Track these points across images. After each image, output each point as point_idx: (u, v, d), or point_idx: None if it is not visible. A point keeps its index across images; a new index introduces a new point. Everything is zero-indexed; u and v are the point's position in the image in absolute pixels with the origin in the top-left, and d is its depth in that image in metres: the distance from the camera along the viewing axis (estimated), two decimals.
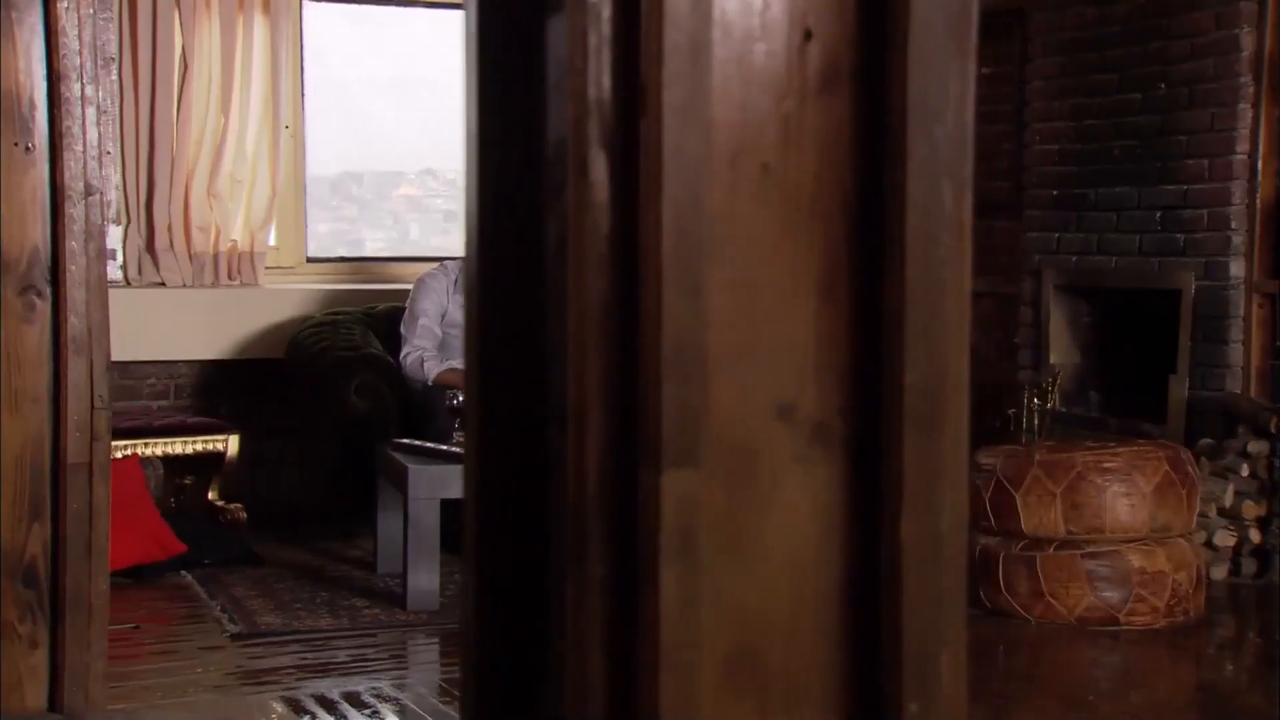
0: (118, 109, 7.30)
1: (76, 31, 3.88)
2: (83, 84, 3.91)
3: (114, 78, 7.31)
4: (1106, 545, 5.36)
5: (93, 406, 3.99)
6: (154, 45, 7.30)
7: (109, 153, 7.20)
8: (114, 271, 7.38)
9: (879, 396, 1.42)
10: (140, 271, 7.39)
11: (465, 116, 1.49)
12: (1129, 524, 5.35)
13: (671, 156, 1.31)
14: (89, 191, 3.96)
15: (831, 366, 1.42)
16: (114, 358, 7.33)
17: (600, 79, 1.33)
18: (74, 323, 3.91)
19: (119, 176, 7.33)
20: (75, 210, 3.90)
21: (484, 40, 1.47)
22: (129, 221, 7.38)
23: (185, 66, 7.38)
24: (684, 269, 1.33)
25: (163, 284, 7.41)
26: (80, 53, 3.89)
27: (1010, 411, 7.58)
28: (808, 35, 1.40)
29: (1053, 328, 7.59)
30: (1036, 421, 7.44)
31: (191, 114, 7.38)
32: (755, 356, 1.40)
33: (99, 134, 4.00)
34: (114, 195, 7.34)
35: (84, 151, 3.94)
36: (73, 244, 3.90)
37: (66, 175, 3.89)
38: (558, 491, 1.41)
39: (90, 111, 3.96)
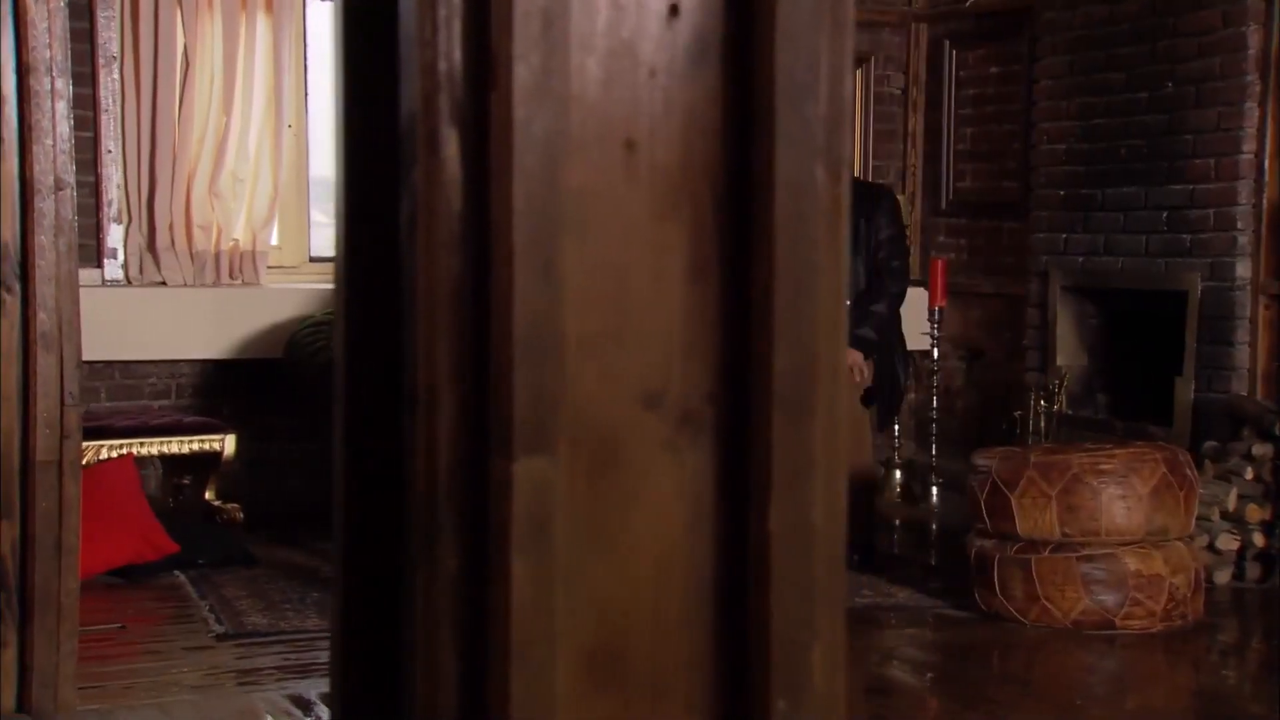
0: (119, 108, 7.29)
1: (46, 24, 3.85)
2: (53, 77, 3.88)
3: (116, 76, 7.30)
4: (1102, 548, 5.29)
5: (63, 403, 3.96)
6: (156, 44, 7.28)
7: (109, 151, 7.19)
8: (115, 270, 7.37)
9: (751, 383, 1.37)
10: (141, 270, 7.37)
11: (332, 93, 1.44)
12: (1125, 526, 5.28)
13: (523, 132, 1.26)
14: (59, 186, 3.93)
15: (701, 352, 1.37)
16: (115, 357, 7.34)
17: (450, 51, 1.28)
18: (43, 319, 3.88)
19: (120, 175, 7.32)
20: (45, 205, 3.87)
21: (348, 12, 1.42)
22: (130, 220, 7.36)
23: (187, 65, 7.36)
24: (538, 249, 1.28)
25: (164, 283, 7.39)
26: (50, 46, 3.86)
27: (1016, 414, 7.51)
28: (674, 9, 1.35)
29: (1060, 329, 7.52)
30: (1043, 424, 7.37)
31: (193, 112, 7.36)
32: (620, 341, 1.35)
33: (70, 127, 3.97)
34: (115, 194, 7.32)
35: (54, 146, 3.91)
36: (42, 239, 3.87)
37: (36, 169, 3.86)
38: (410, 480, 1.37)
39: (61, 105, 3.93)
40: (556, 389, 1.29)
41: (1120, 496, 5.27)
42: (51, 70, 3.88)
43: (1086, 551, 5.29)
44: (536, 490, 1.29)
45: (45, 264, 3.88)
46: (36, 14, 3.83)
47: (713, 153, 1.37)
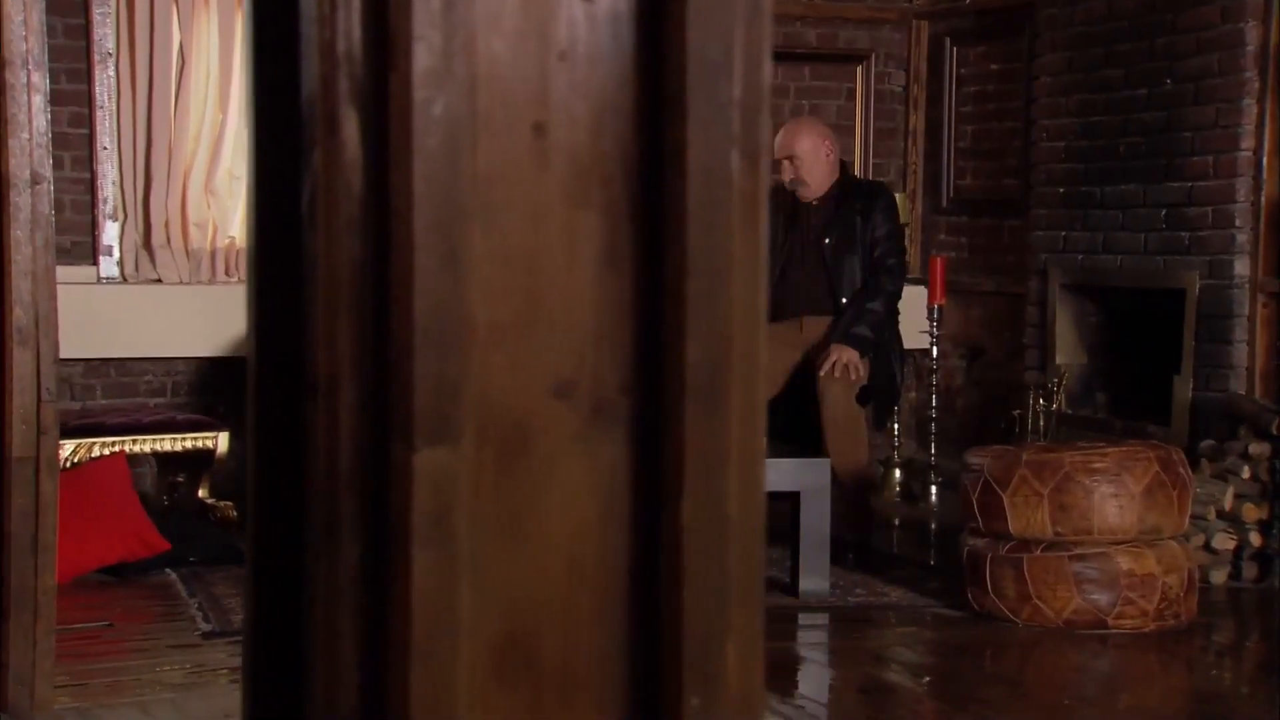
0: (115, 104, 7.27)
1: (23, 17, 3.82)
2: (29, 70, 3.85)
3: (111, 73, 7.28)
4: (1094, 547, 5.25)
5: (40, 400, 3.94)
6: (151, 40, 7.26)
7: (105, 148, 7.17)
8: (110, 268, 7.35)
9: (664, 374, 1.34)
10: (137, 268, 7.36)
11: (243, 78, 1.42)
12: (1117, 525, 5.24)
13: (423, 114, 1.23)
14: (36, 180, 3.91)
15: (614, 341, 1.34)
16: (110, 354, 7.32)
17: (350, 30, 1.25)
18: (19, 314, 3.86)
19: (116, 172, 7.30)
20: (20, 199, 3.85)
21: None
22: (126, 217, 7.35)
23: (183, 62, 7.34)
24: (440, 234, 1.25)
25: (159, 280, 7.37)
26: (26, 38, 3.84)
27: (1015, 413, 7.47)
28: None
29: (1059, 328, 7.48)
30: (1041, 423, 7.33)
31: (189, 109, 7.35)
32: (530, 329, 1.32)
33: (47, 122, 3.94)
34: (111, 191, 7.30)
35: (30, 140, 3.89)
36: (18, 233, 3.85)
37: (11, 163, 3.84)
38: (310, 471, 1.34)
39: (38, 99, 3.91)
40: (460, 378, 1.26)
41: (1113, 495, 5.23)
42: (28, 64, 3.86)
43: (1079, 551, 5.25)
44: (438, 481, 1.26)
45: (21, 259, 3.85)
46: (12, 7, 3.81)
47: (626, 137, 1.34)
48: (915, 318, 7.75)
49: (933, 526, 7.33)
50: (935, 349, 7.71)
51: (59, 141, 7.18)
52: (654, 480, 1.35)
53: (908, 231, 8.36)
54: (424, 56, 1.23)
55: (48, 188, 3.94)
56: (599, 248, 1.33)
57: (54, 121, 7.13)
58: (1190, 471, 5.43)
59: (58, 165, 7.17)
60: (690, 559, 1.33)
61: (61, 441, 6.11)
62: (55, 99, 7.15)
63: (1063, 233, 7.44)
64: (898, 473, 7.90)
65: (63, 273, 7.11)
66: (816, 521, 5.59)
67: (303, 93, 1.31)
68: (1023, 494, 5.27)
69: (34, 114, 3.91)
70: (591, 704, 1.34)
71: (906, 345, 7.72)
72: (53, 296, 3.97)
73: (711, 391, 1.32)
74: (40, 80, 3.91)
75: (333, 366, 1.27)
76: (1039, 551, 5.27)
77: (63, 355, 6.95)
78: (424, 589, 1.25)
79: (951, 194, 8.38)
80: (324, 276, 1.27)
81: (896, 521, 7.44)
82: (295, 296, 1.42)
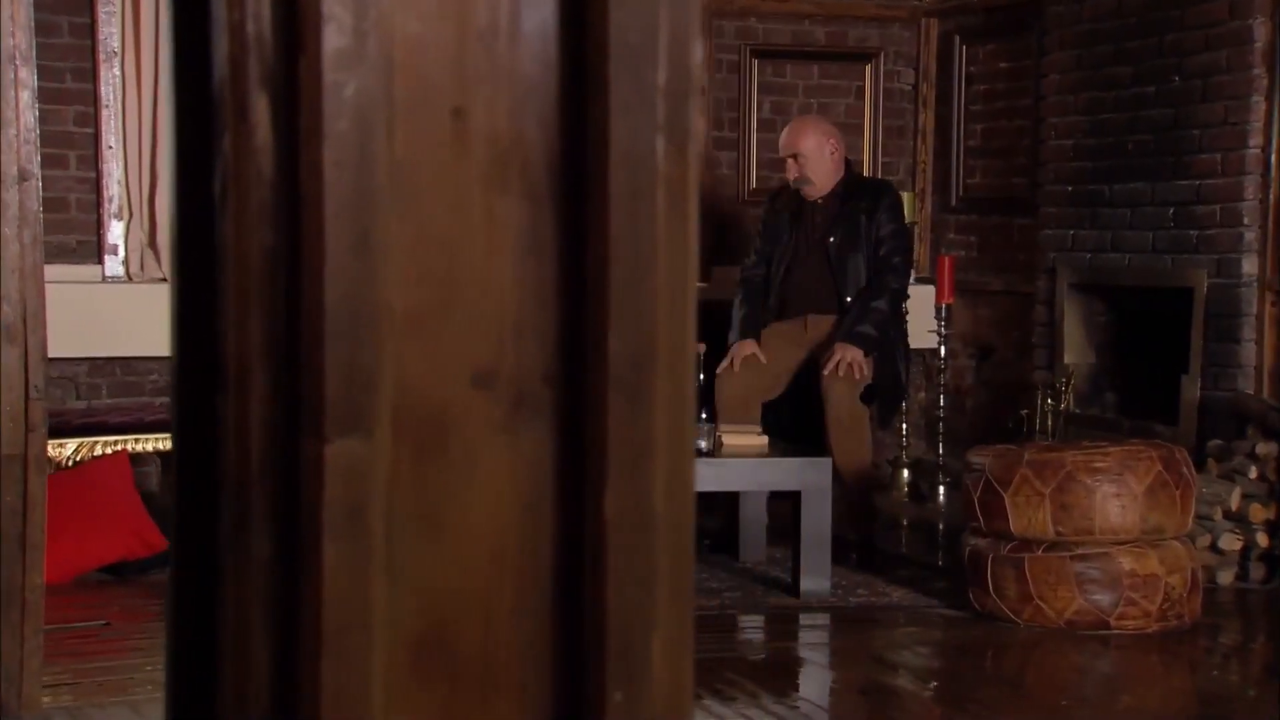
0: (120, 103, 7.27)
1: (10, 11, 3.81)
2: (16, 66, 3.84)
3: (116, 72, 7.27)
4: (1096, 547, 5.21)
5: (28, 396, 3.92)
6: (156, 39, 7.26)
7: (110, 147, 7.17)
8: (116, 267, 7.35)
9: (587, 364, 1.31)
10: (142, 267, 7.35)
11: (165, 64, 1.39)
12: (1119, 525, 5.20)
13: (333, 97, 1.21)
14: (24, 177, 3.89)
15: (537, 330, 1.31)
16: (115, 353, 7.31)
17: (259, 10, 1.23)
18: (7, 311, 3.85)
19: (121, 171, 7.30)
20: (9, 196, 3.84)
21: None
22: (131, 216, 7.34)
23: None
24: (352, 220, 1.22)
25: (165, 279, 7.36)
26: (14, 34, 3.82)
27: (1023, 412, 7.43)
28: None
29: (1067, 327, 7.44)
30: (1050, 423, 7.29)
31: None
32: (449, 318, 1.29)
33: (35, 118, 3.93)
34: (116, 190, 7.30)
35: (18, 136, 3.87)
36: (6, 230, 3.84)
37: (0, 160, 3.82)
38: (221, 463, 1.31)
39: (25, 95, 3.90)
40: (374, 367, 1.24)
41: (1115, 495, 5.19)
42: (15, 59, 3.85)
43: (1080, 551, 5.21)
44: (351, 473, 1.23)
45: (9, 256, 3.84)
46: None
47: (548, 122, 1.31)
48: (924, 317, 7.71)
49: (940, 527, 7.28)
50: (943, 348, 7.66)
51: (64, 140, 7.17)
52: (578, 472, 1.32)
53: (916, 230, 8.33)
54: (334, 37, 1.21)
55: (36, 184, 3.92)
56: (520, 235, 1.30)
57: (59, 120, 7.14)
58: (1194, 471, 5.38)
59: (63, 164, 7.17)
60: (614, 553, 1.30)
61: (64, 440, 6.11)
62: (60, 98, 7.15)
63: (1071, 231, 7.39)
64: (906, 473, 7.86)
65: (68, 271, 7.11)
66: (817, 521, 5.55)
67: (213, 76, 1.28)
68: (1024, 494, 5.23)
69: (21, 110, 3.89)
70: (513, 700, 1.31)
71: (915, 345, 7.69)
72: (41, 293, 3.95)
73: (636, 382, 1.30)
74: (28, 76, 3.90)
75: (243, 356, 1.24)
76: (1040, 551, 5.23)
77: (67, 354, 6.96)
78: (336, 583, 1.23)
79: (961, 193, 8.33)
80: (234, 264, 1.25)
81: (905, 522, 7.40)
82: (215, 286, 1.40)
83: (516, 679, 1.31)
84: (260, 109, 1.23)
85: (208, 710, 1.35)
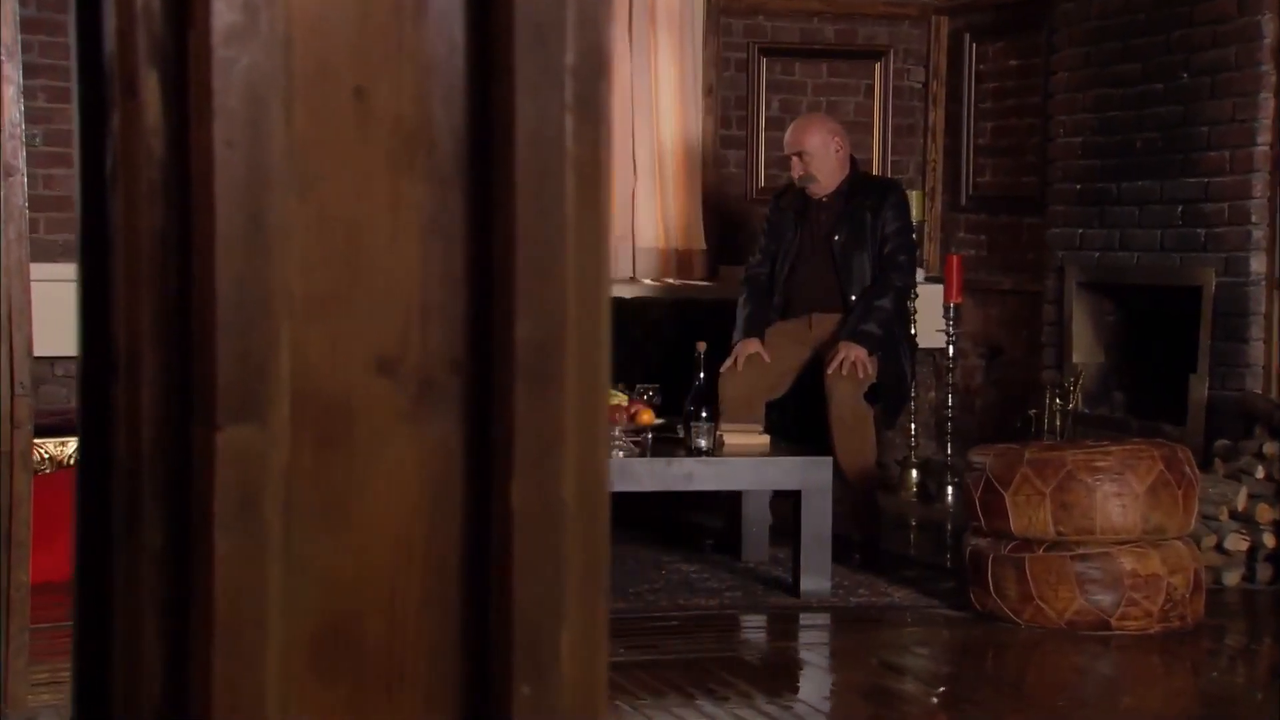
0: None
1: None
2: (1, 62, 3.82)
3: None
4: (1097, 547, 5.16)
5: (13, 393, 3.90)
6: None
7: None
8: None
9: (493, 350, 1.28)
10: None
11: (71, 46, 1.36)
12: (1121, 525, 5.15)
13: (224, 74, 1.18)
14: (9, 172, 3.87)
15: (443, 316, 1.28)
16: None
17: None
18: None
19: None
20: None
21: None
22: None
23: None
24: (245, 202, 1.19)
25: None
26: None
27: (1031, 412, 7.38)
28: None
29: (1075, 326, 7.38)
30: (1058, 422, 7.23)
31: None
32: (351, 303, 1.26)
33: (20, 113, 3.90)
34: None
35: (3, 131, 3.85)
36: None
37: None
38: (112, 452, 1.28)
39: (10, 90, 3.87)
40: (268, 353, 1.20)
41: (1116, 494, 5.14)
42: (0, 55, 3.82)
43: (1081, 550, 5.16)
44: (243, 461, 1.20)
45: None
46: None
47: (455, 103, 1.28)
48: (933, 316, 7.66)
49: (948, 527, 7.23)
50: (952, 348, 7.61)
51: (67, 139, 7.16)
52: (486, 462, 1.29)
53: (926, 229, 8.28)
54: (225, 11, 1.17)
55: (21, 180, 3.90)
56: (425, 218, 1.27)
57: (64, 119, 7.12)
58: (1196, 470, 5.33)
59: (66, 162, 7.16)
60: (521, 544, 1.26)
61: (63, 439, 6.09)
62: (65, 97, 7.13)
63: (1079, 230, 7.34)
64: (914, 473, 7.81)
65: (71, 270, 7.10)
66: (818, 520, 5.51)
67: (103, 52, 1.25)
68: (1024, 493, 5.18)
69: (6, 105, 3.87)
70: (418, 695, 1.28)
71: (923, 344, 7.65)
72: (26, 290, 3.93)
73: (544, 370, 1.26)
74: (13, 71, 3.87)
75: (133, 341, 1.21)
76: (1041, 551, 5.18)
77: (69, 353, 6.93)
78: (228, 576, 1.19)
79: (970, 191, 8.28)
80: (123, 246, 1.22)
81: (913, 522, 7.35)
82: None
83: (423, 674, 1.28)
84: (149, 86, 1.19)
85: (106, 709, 1.32)
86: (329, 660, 1.26)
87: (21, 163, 3.94)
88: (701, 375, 5.69)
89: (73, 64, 1.33)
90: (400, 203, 1.26)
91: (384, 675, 1.27)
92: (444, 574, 1.29)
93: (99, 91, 1.29)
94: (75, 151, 1.37)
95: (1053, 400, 7.26)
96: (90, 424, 1.33)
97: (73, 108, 1.36)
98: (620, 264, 7.76)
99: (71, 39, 1.34)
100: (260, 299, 1.19)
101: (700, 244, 7.82)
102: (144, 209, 1.20)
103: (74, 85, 1.34)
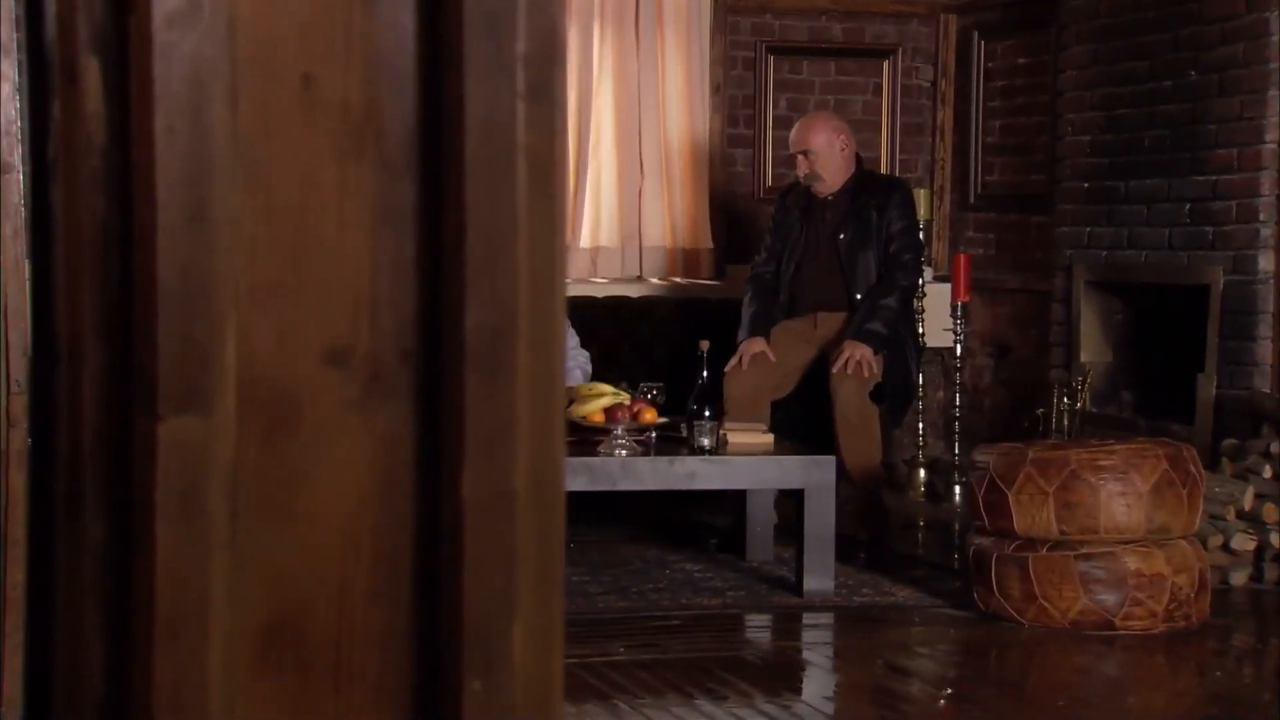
0: None
1: None
2: None
3: None
4: (1101, 546, 5.13)
5: (8, 391, 3.89)
6: None
7: None
8: None
9: (443, 340, 1.26)
10: None
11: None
12: (1125, 524, 5.12)
13: (165, 59, 1.16)
14: (4, 170, 3.86)
15: (393, 305, 1.27)
16: None
17: None
18: None
19: None
20: None
21: None
22: None
23: None
24: (187, 189, 1.18)
25: None
26: None
27: (1039, 412, 7.34)
28: None
29: (1084, 325, 7.35)
30: (1066, 422, 7.20)
31: None
32: (300, 292, 1.25)
33: (16, 110, 3.90)
34: None
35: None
36: None
37: None
38: (54, 443, 1.26)
39: (6, 87, 3.86)
40: (212, 343, 1.19)
41: (1120, 494, 5.11)
42: None
43: (1085, 550, 5.13)
44: (186, 452, 1.18)
45: None
46: None
47: (405, 90, 1.26)
48: (941, 315, 7.63)
49: (955, 527, 7.20)
50: (959, 347, 7.58)
51: None
52: (437, 453, 1.27)
53: (935, 228, 8.25)
54: None
55: (16, 176, 3.89)
56: (375, 206, 1.26)
57: None
58: (1201, 469, 5.30)
59: None
60: (472, 536, 1.25)
61: None
62: None
63: (1087, 228, 7.31)
64: (922, 472, 7.78)
65: None
66: (821, 519, 5.49)
67: (44, 38, 1.24)
68: (1028, 492, 5.16)
69: (3, 102, 3.86)
70: (367, 688, 1.27)
71: (932, 344, 7.62)
72: (22, 288, 3.92)
73: (494, 358, 1.25)
74: (9, 68, 3.86)
75: (76, 330, 1.20)
76: (1044, 551, 5.15)
77: None
78: (170, 568, 1.18)
79: (979, 190, 8.25)
80: (65, 235, 1.20)
81: (921, 522, 7.32)
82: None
83: (372, 667, 1.27)
84: (90, 72, 1.18)
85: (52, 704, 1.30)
86: (276, 653, 1.25)
87: (17, 159, 3.93)
88: (705, 374, 5.67)
89: (18, 52, 1.32)
90: (349, 191, 1.25)
91: (332, 669, 1.26)
92: (394, 567, 1.27)
93: (43, 79, 1.28)
94: (23, 141, 1.36)
95: (1060, 400, 7.22)
96: (37, 415, 1.32)
97: (20, 97, 1.35)
98: (627, 263, 7.75)
99: (15, 26, 1.32)
100: (203, 288, 1.18)
101: (707, 243, 7.80)
102: (85, 197, 1.19)
103: (20, 74, 1.33)
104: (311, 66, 1.23)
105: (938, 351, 7.93)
